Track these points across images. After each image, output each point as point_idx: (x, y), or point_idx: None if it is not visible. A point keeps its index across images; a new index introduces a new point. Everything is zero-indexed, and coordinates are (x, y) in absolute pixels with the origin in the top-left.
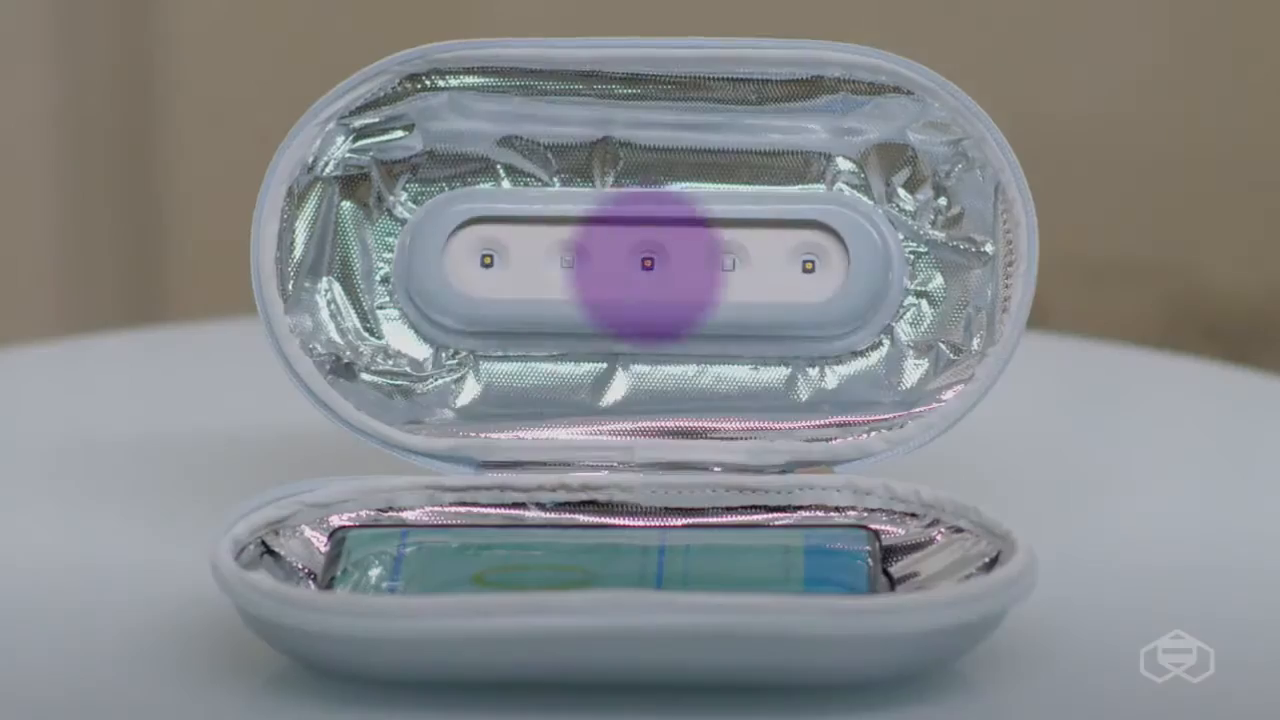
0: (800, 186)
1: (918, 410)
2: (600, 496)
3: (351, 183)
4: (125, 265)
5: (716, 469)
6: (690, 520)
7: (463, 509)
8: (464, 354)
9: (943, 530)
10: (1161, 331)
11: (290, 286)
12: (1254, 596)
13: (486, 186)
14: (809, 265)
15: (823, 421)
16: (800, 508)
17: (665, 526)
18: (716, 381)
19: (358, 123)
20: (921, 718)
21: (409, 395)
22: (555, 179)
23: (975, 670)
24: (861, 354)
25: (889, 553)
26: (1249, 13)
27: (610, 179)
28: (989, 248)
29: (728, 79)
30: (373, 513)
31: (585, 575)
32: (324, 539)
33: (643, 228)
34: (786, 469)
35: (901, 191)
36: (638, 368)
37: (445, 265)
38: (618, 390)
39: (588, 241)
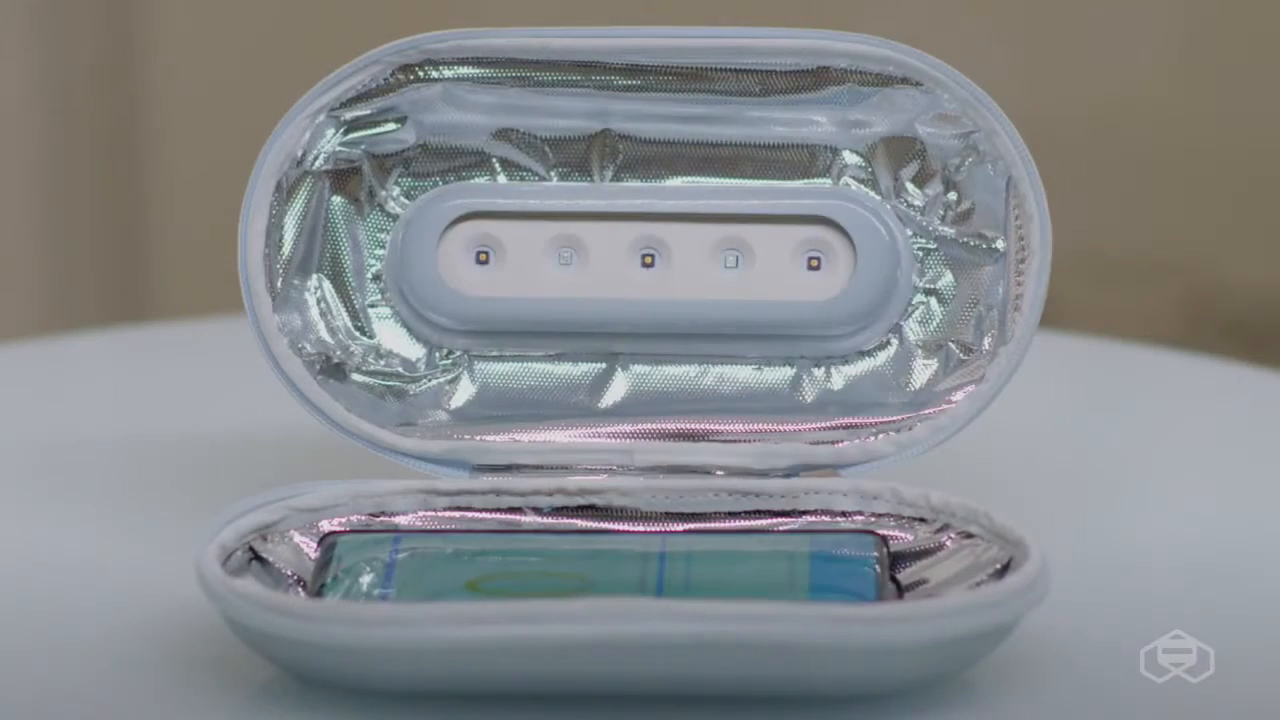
0: (805, 181)
1: (927, 412)
2: (599, 501)
3: (342, 177)
4: (108, 262)
5: (719, 472)
6: (692, 525)
7: (457, 514)
8: (458, 354)
9: (952, 536)
10: (1178, 330)
11: (279, 284)
12: (1255, 596)
13: (481, 181)
14: (814, 262)
15: (828, 423)
16: (805, 512)
17: (666, 532)
18: (719, 382)
19: (348, 115)
20: None
21: (401, 396)
22: (552, 173)
23: (975, 671)
24: (869, 354)
25: (897, 559)
26: (1267, 6)
27: (609, 173)
28: (1000, 244)
29: (730, 70)
30: (364, 517)
31: (583, 582)
32: (314, 544)
33: (643, 223)
34: (791, 472)
35: (910, 186)
36: (637, 368)
37: (439, 262)
38: (617, 391)
39: (586, 238)
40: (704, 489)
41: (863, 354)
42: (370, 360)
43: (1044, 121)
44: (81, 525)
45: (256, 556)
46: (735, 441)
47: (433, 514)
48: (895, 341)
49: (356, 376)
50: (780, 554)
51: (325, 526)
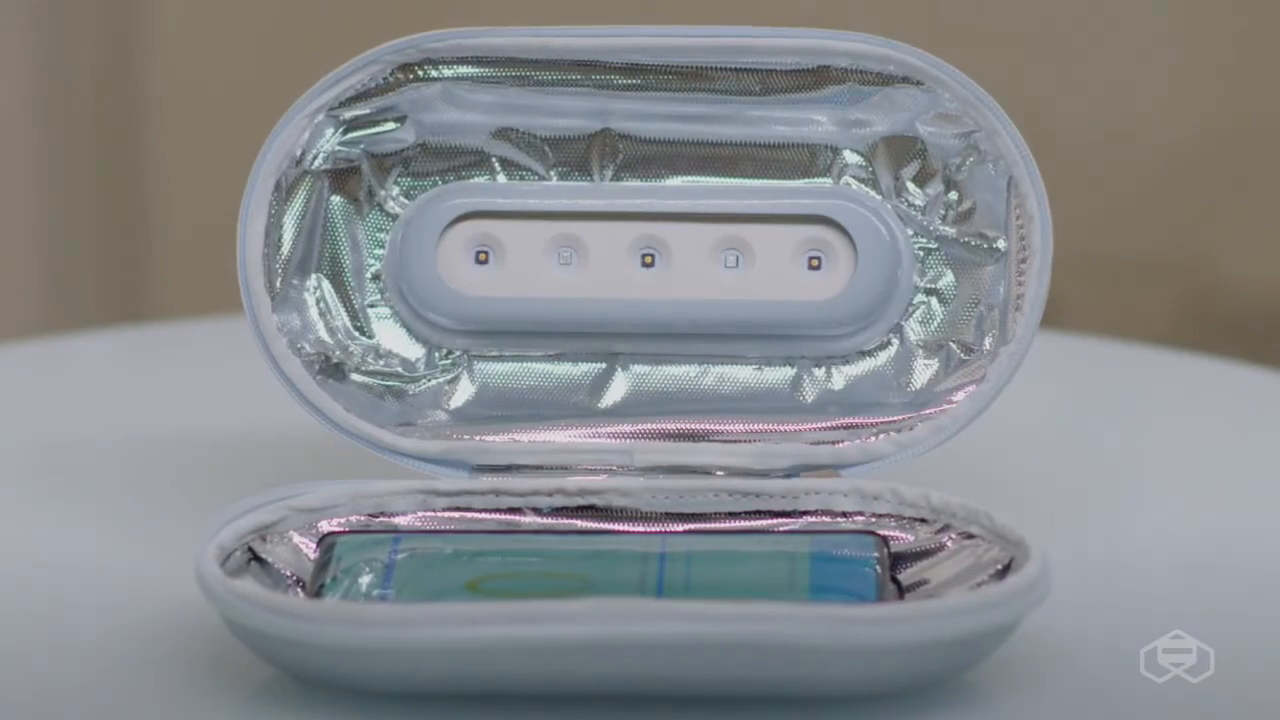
0: (806, 180)
1: (927, 412)
2: (599, 501)
3: (341, 176)
4: (108, 262)
5: (719, 473)
6: (692, 526)
7: (456, 514)
8: (457, 354)
9: (953, 536)
10: (1178, 330)
11: (278, 284)
12: (1255, 596)
13: (481, 180)
14: (815, 262)
15: (829, 424)
16: (806, 513)
17: (666, 532)
18: (719, 382)
19: (348, 114)
20: None
21: (400, 396)
22: (552, 172)
23: (976, 671)
24: (869, 354)
25: (898, 559)
26: (1267, 9)
27: (609, 172)
28: (1001, 243)
29: (731, 69)
30: (363, 518)
31: (583, 583)
32: (313, 545)
33: (643, 223)
34: (791, 473)
35: (911, 186)
36: (637, 368)
37: (438, 262)
38: (617, 391)
39: (586, 237)
40: (704, 489)
41: (863, 354)
42: (369, 360)
43: (1045, 120)
44: (81, 525)
45: (255, 557)
46: (735, 441)
47: (432, 514)
48: (896, 341)
49: (356, 376)
50: (781, 554)
51: (324, 527)
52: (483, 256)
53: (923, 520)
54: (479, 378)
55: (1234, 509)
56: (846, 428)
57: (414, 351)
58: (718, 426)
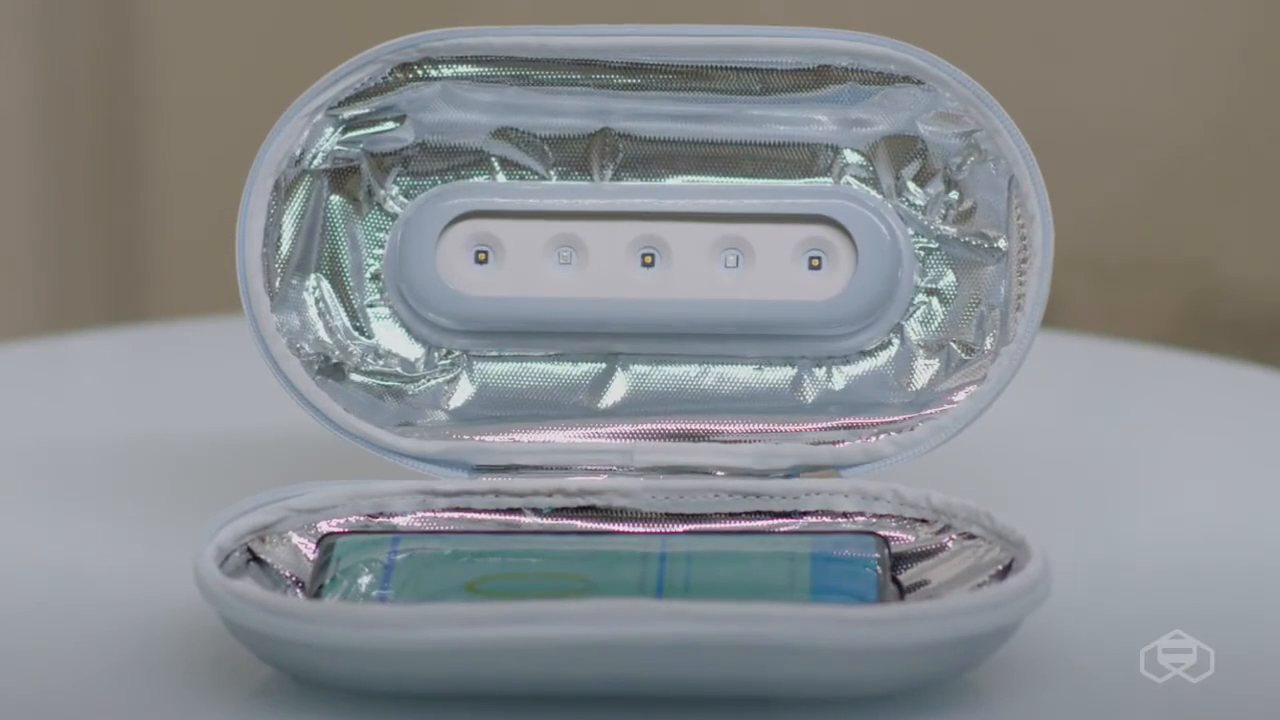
0: (806, 180)
1: (928, 412)
2: (599, 502)
3: (341, 176)
4: (106, 261)
5: (719, 473)
6: (692, 526)
7: (456, 515)
8: (457, 354)
9: (954, 537)
10: (1178, 330)
11: (277, 283)
12: (1255, 596)
13: (481, 180)
14: (815, 262)
15: (830, 424)
16: (806, 513)
17: (666, 533)
18: (719, 382)
19: (347, 113)
20: None
21: (400, 396)
22: (552, 172)
23: (976, 671)
24: (870, 354)
25: (898, 560)
26: (1268, 9)
27: (609, 172)
28: (1002, 243)
29: (731, 68)
30: (362, 518)
31: (583, 583)
32: (312, 545)
33: (642, 223)
34: (792, 473)
35: (911, 185)
36: (637, 368)
37: (438, 261)
38: (617, 391)
39: (586, 237)
40: (704, 489)
41: (864, 354)
42: (369, 360)
43: (1046, 120)
44: (81, 525)
45: (254, 558)
46: (735, 442)
47: (431, 515)
48: (896, 341)
49: (355, 376)
50: (781, 555)
51: (324, 527)
52: (482, 256)
53: (923, 521)
54: (479, 378)
55: (1234, 509)
56: (847, 428)
57: (413, 351)
58: (718, 426)
